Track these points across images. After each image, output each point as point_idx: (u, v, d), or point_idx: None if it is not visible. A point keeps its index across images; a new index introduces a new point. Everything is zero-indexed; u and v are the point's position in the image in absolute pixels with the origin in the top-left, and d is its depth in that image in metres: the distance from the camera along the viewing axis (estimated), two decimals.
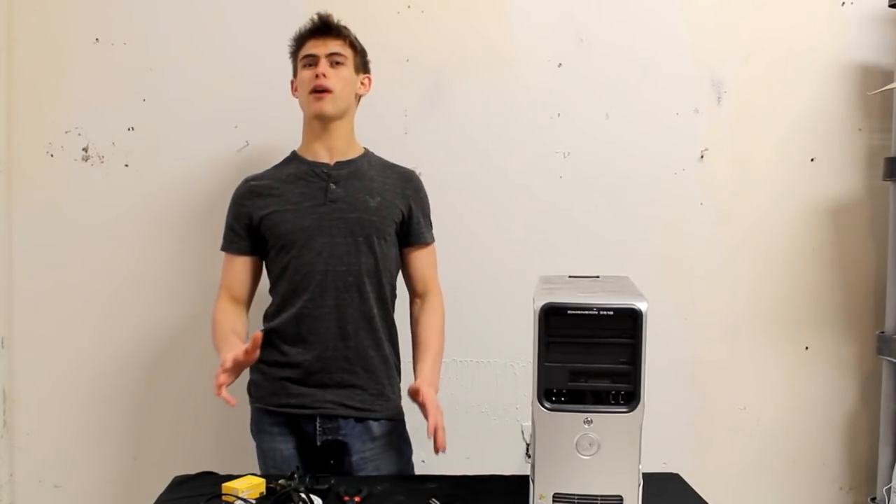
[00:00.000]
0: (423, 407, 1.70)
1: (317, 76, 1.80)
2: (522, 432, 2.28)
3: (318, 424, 1.81)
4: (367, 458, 1.82)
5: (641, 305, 1.34)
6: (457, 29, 2.23)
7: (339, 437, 1.81)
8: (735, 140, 2.30)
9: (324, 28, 1.84)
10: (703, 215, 2.30)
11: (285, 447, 1.83)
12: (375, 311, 1.82)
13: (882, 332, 2.24)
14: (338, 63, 1.82)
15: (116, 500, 2.28)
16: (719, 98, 2.28)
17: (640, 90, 2.26)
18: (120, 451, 2.28)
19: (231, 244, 1.87)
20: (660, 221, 2.29)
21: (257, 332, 1.67)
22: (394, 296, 1.90)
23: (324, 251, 1.79)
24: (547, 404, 1.37)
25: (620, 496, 1.36)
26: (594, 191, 2.28)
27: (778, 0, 2.28)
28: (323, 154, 1.85)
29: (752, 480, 2.36)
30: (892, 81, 2.18)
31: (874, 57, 2.29)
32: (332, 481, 1.59)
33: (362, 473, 1.80)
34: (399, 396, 1.89)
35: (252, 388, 1.90)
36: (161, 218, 2.24)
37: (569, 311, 1.35)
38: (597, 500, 1.37)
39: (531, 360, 1.38)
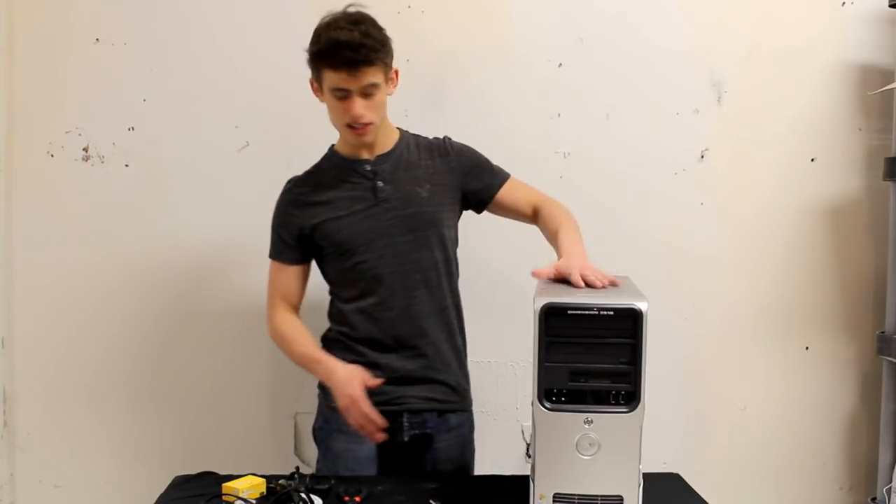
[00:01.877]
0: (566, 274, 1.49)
1: (352, 114, 1.68)
2: (522, 432, 2.29)
3: (405, 419, 1.78)
4: (443, 448, 1.81)
5: (641, 305, 1.34)
6: (457, 29, 2.24)
7: (427, 431, 1.80)
8: (735, 140, 2.30)
9: (352, 62, 1.63)
10: (703, 215, 2.30)
11: (361, 448, 1.77)
12: (448, 300, 1.81)
13: (882, 332, 2.24)
14: (371, 94, 1.68)
15: (116, 500, 2.28)
16: (719, 98, 2.29)
17: (640, 90, 2.26)
18: (120, 451, 2.28)
19: (281, 254, 1.82)
20: (660, 221, 2.29)
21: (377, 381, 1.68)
22: (457, 271, 1.88)
23: (386, 252, 1.75)
24: (547, 404, 1.36)
25: (620, 496, 1.36)
26: (594, 191, 2.27)
27: (778, 0, 2.28)
28: (363, 152, 1.79)
29: (751, 480, 2.36)
30: (892, 81, 2.18)
31: (874, 57, 2.29)
32: (332, 482, 1.59)
33: (437, 465, 1.80)
34: (470, 386, 1.90)
35: (327, 387, 1.80)
36: (161, 218, 2.24)
37: (569, 311, 1.35)
38: (597, 500, 1.36)
39: (531, 360, 1.37)
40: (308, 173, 1.84)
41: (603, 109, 2.27)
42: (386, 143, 1.81)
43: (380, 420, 1.67)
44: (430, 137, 1.87)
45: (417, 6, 2.21)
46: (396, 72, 1.78)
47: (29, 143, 2.22)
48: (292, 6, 2.20)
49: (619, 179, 2.28)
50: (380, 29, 1.70)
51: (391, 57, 1.73)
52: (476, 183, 1.84)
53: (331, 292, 1.86)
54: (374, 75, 1.66)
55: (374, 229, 1.75)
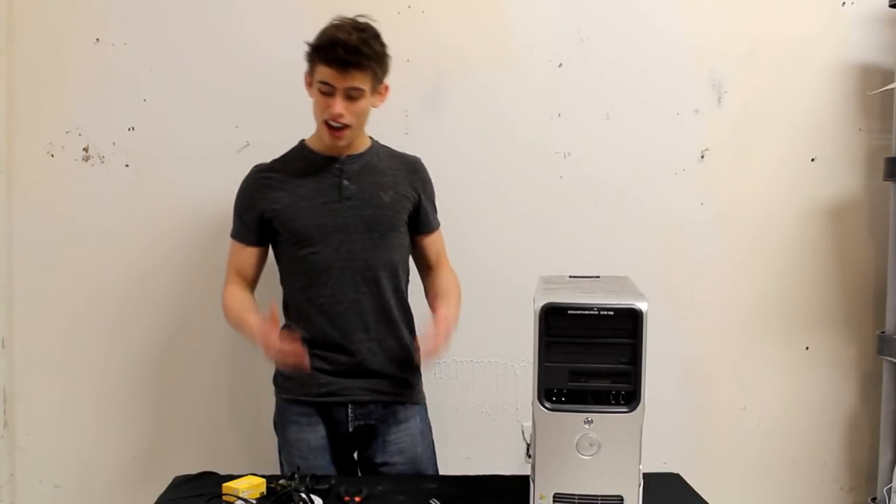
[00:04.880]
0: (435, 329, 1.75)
1: (332, 112, 1.75)
2: (523, 432, 2.28)
3: (350, 410, 1.83)
4: (393, 440, 1.86)
5: (641, 305, 1.34)
6: (457, 29, 2.24)
7: (371, 422, 1.85)
8: (735, 140, 2.30)
9: (343, 62, 1.72)
10: (703, 215, 2.30)
11: (313, 437, 1.84)
12: (392, 302, 1.86)
13: (882, 332, 2.24)
14: (354, 98, 1.76)
15: (116, 500, 2.28)
16: (719, 98, 2.29)
17: (640, 90, 2.26)
18: (120, 451, 2.28)
19: (240, 234, 1.90)
20: (660, 221, 2.29)
21: (273, 305, 1.70)
22: (407, 280, 1.94)
23: (340, 248, 1.81)
24: (547, 404, 1.37)
25: (621, 496, 1.36)
26: (594, 191, 2.28)
27: (778, 0, 2.28)
28: (334, 150, 1.86)
29: (752, 480, 2.36)
30: (892, 81, 2.18)
31: (874, 57, 2.29)
32: (333, 481, 1.60)
33: (388, 458, 1.85)
34: (421, 382, 1.94)
35: (279, 380, 1.91)
36: (161, 218, 2.24)
37: (569, 311, 1.35)
38: (597, 500, 1.37)
39: (531, 360, 1.38)
40: (275, 161, 1.92)
41: (603, 109, 2.27)
42: (357, 146, 1.88)
43: (294, 348, 1.70)
44: (404, 152, 1.95)
45: (417, 6, 2.21)
46: (387, 87, 1.86)
47: (29, 143, 2.22)
48: (293, 6, 2.20)
49: (619, 179, 2.28)
50: (381, 43, 1.79)
51: (384, 71, 1.82)
52: (420, 215, 1.93)
53: (282, 281, 1.91)
54: (360, 80, 1.75)
55: (333, 224, 1.81)
